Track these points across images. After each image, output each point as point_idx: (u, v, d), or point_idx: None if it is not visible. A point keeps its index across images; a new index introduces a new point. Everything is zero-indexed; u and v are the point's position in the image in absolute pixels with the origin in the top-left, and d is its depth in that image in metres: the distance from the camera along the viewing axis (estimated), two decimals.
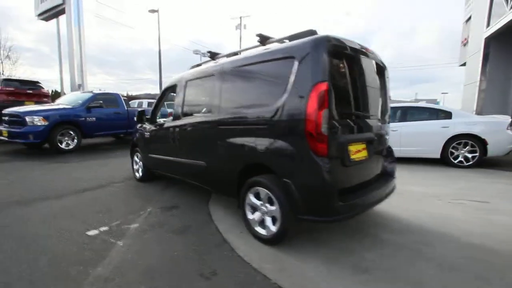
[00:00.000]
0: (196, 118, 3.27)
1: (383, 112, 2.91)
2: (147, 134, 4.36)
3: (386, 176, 2.95)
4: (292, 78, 2.22)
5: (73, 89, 17.02)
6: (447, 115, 6.10)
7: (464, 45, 13.86)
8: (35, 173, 5.25)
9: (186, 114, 3.51)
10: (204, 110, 3.22)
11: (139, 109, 4.86)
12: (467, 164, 5.88)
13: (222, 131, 2.85)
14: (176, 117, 3.64)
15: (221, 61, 3.06)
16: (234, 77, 2.80)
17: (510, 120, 5.74)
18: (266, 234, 2.50)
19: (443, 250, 2.42)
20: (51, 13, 18.88)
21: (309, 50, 2.14)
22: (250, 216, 2.66)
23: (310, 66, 2.12)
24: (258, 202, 2.57)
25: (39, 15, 19.24)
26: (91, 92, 8.88)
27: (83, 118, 7.93)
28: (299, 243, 2.52)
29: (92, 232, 2.75)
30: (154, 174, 4.66)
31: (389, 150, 3.08)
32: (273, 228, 2.43)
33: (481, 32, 9.34)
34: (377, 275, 2.07)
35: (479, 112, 9.58)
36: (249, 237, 2.65)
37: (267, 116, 2.39)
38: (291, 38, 2.47)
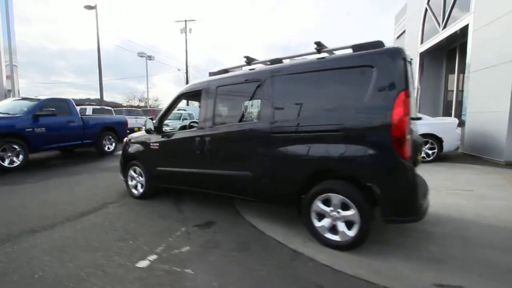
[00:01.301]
0: (238, 127, 3.07)
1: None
2: (154, 145, 3.87)
3: None
4: (371, 86, 2.30)
5: None
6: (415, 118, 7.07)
7: None
8: None
9: (219, 123, 3.25)
10: (248, 117, 3.04)
11: (148, 117, 4.25)
12: (428, 159, 6.89)
13: (278, 139, 2.75)
14: (204, 126, 3.33)
15: (271, 66, 2.94)
16: (292, 83, 2.73)
17: (457, 121, 6.98)
18: (340, 239, 2.50)
19: (481, 233, 2.81)
20: None
21: (390, 60, 2.27)
22: (317, 223, 2.62)
23: (392, 75, 2.24)
24: (327, 209, 2.55)
25: None
26: (37, 98, 7.38)
27: (30, 129, 6.56)
28: (364, 246, 2.59)
29: (142, 264, 2.31)
30: (157, 189, 4.16)
31: None
32: (350, 233, 2.44)
33: (416, 48, 11.17)
34: (451, 264, 2.28)
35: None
36: (316, 245, 2.60)
37: (342, 122, 2.41)
38: (356, 47, 2.55)
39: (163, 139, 3.80)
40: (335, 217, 2.52)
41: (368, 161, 2.31)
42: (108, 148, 9.15)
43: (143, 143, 4.08)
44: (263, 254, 2.48)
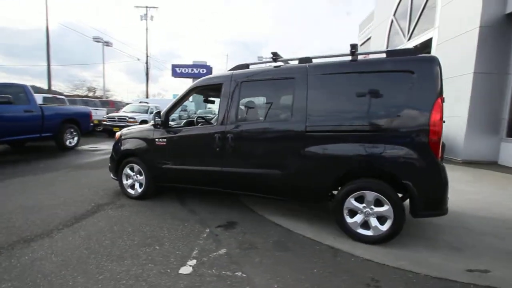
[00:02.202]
0: (268, 124, 3.00)
1: None
2: (160, 141, 3.57)
3: None
4: (411, 90, 2.45)
5: None
6: None
7: None
8: None
9: (244, 119, 3.14)
10: (279, 115, 2.99)
11: (156, 111, 3.85)
12: None
13: (313, 138, 2.76)
14: (225, 122, 3.18)
15: (306, 64, 2.91)
16: (330, 82, 2.77)
17: None
18: (373, 234, 2.63)
19: (477, 224, 3.22)
20: None
21: (429, 66, 2.44)
22: (349, 220, 2.71)
23: (430, 81, 2.42)
24: (360, 205, 2.67)
25: None
26: None
27: None
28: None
29: (185, 270, 2.14)
30: (158, 189, 3.87)
31: None
32: (383, 228, 2.59)
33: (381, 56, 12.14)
34: (470, 251, 2.57)
35: None
36: (347, 240, 2.69)
37: (382, 123, 2.53)
38: (390, 53, 2.69)
39: (171, 134, 3.53)
40: (368, 213, 2.64)
41: (406, 160, 2.47)
42: (70, 142, 8.18)
43: (145, 139, 3.73)
44: (304, 252, 2.49)
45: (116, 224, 2.99)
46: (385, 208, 2.56)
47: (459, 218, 3.40)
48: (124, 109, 13.95)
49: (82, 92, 35.91)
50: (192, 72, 27.66)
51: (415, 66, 2.49)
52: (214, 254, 2.40)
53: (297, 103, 2.85)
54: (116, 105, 17.53)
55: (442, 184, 2.45)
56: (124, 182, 3.93)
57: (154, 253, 2.40)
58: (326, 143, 2.73)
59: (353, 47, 2.77)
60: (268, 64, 3.24)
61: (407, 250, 2.55)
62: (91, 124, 9.54)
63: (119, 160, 3.95)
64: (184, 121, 4.12)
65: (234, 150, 3.12)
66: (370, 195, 2.60)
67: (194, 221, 3.12)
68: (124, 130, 4.16)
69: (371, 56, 3.16)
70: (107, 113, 13.28)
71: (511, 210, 3.74)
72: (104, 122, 11.87)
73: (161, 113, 3.58)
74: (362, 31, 16.20)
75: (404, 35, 10.21)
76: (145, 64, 25.36)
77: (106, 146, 9.03)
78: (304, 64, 2.93)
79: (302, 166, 2.83)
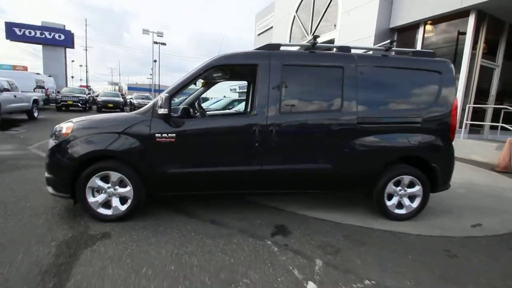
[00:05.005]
0: (316, 116, 2.72)
1: None
2: (165, 138, 2.57)
3: None
4: (440, 89, 2.89)
5: None
6: None
7: None
8: None
9: (289, 110, 2.71)
10: (328, 106, 2.75)
11: (165, 93, 2.50)
12: None
13: (363, 130, 2.78)
14: (264, 112, 2.64)
15: (355, 54, 2.79)
16: (377, 75, 2.79)
17: None
18: (406, 212, 3.03)
19: (466, 199, 4.28)
20: None
21: (451, 69, 2.94)
22: (388, 203, 2.99)
23: (452, 81, 2.93)
24: (397, 188, 2.98)
25: None
26: None
27: None
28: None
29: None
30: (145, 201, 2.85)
31: None
32: (414, 205, 3.02)
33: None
34: (476, 212, 3.42)
35: None
36: (387, 221, 2.98)
37: (421, 116, 2.86)
38: (415, 53, 3.03)
39: (183, 128, 2.62)
40: (402, 195, 3.01)
41: (435, 147, 2.94)
42: None
43: (133, 134, 2.58)
44: (380, 242, 2.55)
45: (145, 264, 2.00)
46: (417, 188, 2.99)
47: (449, 195, 3.87)
48: None
49: None
50: (43, 36, 20.65)
51: (442, 67, 2.94)
52: (317, 269, 2.07)
53: (347, 94, 2.76)
54: None
55: (453, 163, 3.10)
56: (91, 199, 2.62)
57: (241, 282, 1.81)
58: (376, 134, 2.83)
59: (391, 42, 2.94)
60: (294, 48, 2.93)
61: (434, 219, 3.09)
62: None
63: (77, 167, 2.57)
64: (181, 108, 3.09)
65: (278, 145, 2.69)
66: (407, 178, 2.95)
67: (240, 235, 2.53)
68: (81, 121, 2.71)
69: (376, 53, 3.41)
70: None
71: None
72: None
73: (162, 98, 2.55)
74: (260, 21, 16.98)
75: (307, 33, 11.55)
76: None
77: None
78: (352, 54, 2.85)
79: (354, 157, 2.82)
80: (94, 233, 2.43)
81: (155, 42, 29.73)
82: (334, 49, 3.01)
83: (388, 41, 2.95)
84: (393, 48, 2.98)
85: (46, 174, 2.67)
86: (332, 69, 2.80)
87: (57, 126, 2.78)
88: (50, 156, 2.65)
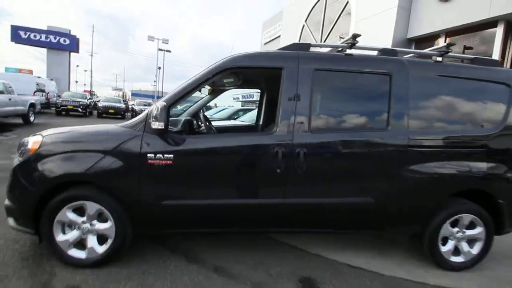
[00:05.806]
0: (356, 135, 2.10)
1: None
2: (160, 160, 1.96)
3: None
4: (509, 106, 2.27)
5: None
6: None
7: None
8: None
9: (321, 126, 2.10)
10: (371, 123, 2.16)
11: (162, 101, 1.91)
12: None
13: (416, 154, 2.16)
14: (290, 129, 2.04)
15: (406, 59, 2.23)
16: (431, 87, 2.19)
17: None
18: (464, 260, 2.37)
19: None
20: None
21: None
22: (443, 248, 2.33)
23: None
24: (454, 230, 2.33)
25: None
26: None
27: None
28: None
29: None
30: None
31: None
32: (474, 251, 2.37)
33: None
34: None
35: None
36: (440, 271, 2.33)
37: (483, 139, 2.24)
38: (475, 60, 2.42)
39: (183, 147, 2.01)
40: (460, 238, 2.35)
41: (504, 178, 2.30)
42: None
43: (117, 153, 1.97)
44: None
45: None
46: (479, 230, 2.33)
47: None
48: None
49: None
50: (48, 40, 20.47)
51: (508, 79, 2.33)
52: None
53: (396, 109, 2.14)
54: None
55: None
56: (60, 237, 1.99)
57: None
58: (431, 161, 2.20)
59: (449, 46, 2.34)
60: (326, 49, 2.34)
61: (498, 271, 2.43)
62: None
63: (44, 194, 1.95)
64: (182, 120, 2.50)
65: (306, 172, 2.06)
66: (467, 218, 2.31)
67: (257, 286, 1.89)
68: (52, 134, 2.11)
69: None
70: None
71: None
72: None
73: (158, 107, 1.94)
74: (267, 30, 16.61)
75: (316, 42, 11.11)
76: None
77: None
78: (401, 59, 2.26)
79: (402, 190, 2.18)
80: (60, 285, 1.80)
81: (160, 49, 29.58)
82: (376, 53, 2.42)
83: (444, 44, 2.33)
84: (449, 54, 2.38)
85: (6, 202, 2.06)
86: (376, 76, 2.19)
87: (24, 139, 2.19)
88: (12, 178, 2.05)
